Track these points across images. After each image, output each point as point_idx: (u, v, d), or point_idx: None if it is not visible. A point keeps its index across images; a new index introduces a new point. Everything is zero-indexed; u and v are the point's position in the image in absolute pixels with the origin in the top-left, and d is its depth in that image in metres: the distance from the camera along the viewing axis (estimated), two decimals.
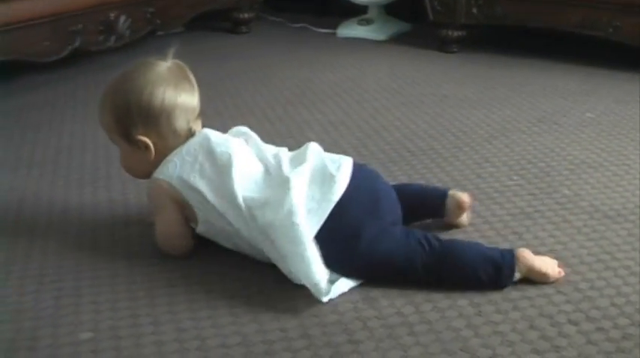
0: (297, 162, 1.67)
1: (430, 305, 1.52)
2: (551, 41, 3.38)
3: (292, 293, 1.55)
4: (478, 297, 1.54)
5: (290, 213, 1.53)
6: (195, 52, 3.48)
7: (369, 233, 1.57)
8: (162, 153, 1.69)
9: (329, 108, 2.66)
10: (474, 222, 1.83)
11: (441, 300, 1.53)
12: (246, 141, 1.74)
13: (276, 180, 1.62)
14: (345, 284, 1.57)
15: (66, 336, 1.44)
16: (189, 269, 1.65)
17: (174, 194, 1.66)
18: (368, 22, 3.75)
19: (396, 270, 1.57)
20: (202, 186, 1.63)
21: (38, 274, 1.66)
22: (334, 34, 3.77)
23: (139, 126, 1.68)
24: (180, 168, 1.66)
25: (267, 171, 1.67)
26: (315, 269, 1.51)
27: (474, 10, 3.29)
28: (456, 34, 3.38)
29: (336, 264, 1.56)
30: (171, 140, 1.69)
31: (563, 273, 1.61)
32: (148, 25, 3.28)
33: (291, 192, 1.56)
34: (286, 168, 1.64)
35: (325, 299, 1.52)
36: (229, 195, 1.61)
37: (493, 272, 1.56)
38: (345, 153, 2.19)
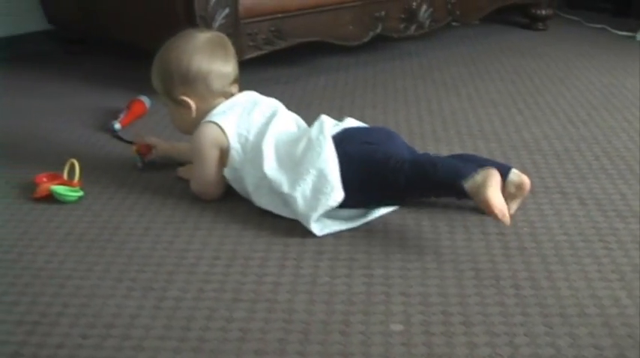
0: None
1: None
2: None
3: (608, 311, 1.49)
4: None
5: (322, 126, 1.83)
6: (492, 45, 3.45)
7: (355, 145, 1.82)
8: (204, 111, 1.94)
9: (634, 116, 2.54)
10: None
11: None
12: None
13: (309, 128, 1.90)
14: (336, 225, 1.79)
15: (377, 325, 1.45)
16: (495, 272, 1.62)
17: (219, 138, 1.90)
18: None
19: (369, 172, 1.77)
20: (247, 129, 1.89)
21: (349, 258, 1.68)
22: (634, 37, 3.62)
23: (180, 88, 1.94)
24: (229, 115, 1.91)
25: (298, 129, 1.97)
26: (335, 165, 1.77)
27: None
28: None
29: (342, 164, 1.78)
30: (209, 100, 1.95)
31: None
32: (447, 15, 3.27)
33: (321, 118, 1.87)
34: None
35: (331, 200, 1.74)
36: (270, 136, 1.87)
37: (449, 167, 1.73)
38: None
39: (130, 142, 2.26)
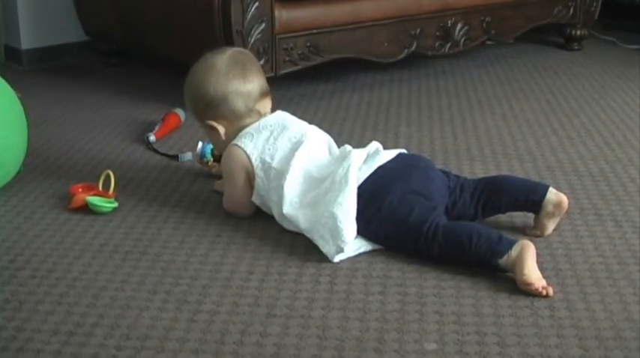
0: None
1: None
2: None
3: None
4: None
5: (347, 170, 1.77)
6: (527, 65, 3.44)
7: (392, 197, 1.76)
8: (234, 131, 1.94)
9: None
10: None
11: None
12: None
13: (339, 156, 1.90)
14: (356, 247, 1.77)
15: (411, 344, 1.45)
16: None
17: (245, 162, 1.89)
18: None
19: (401, 234, 1.73)
20: (272, 155, 1.87)
21: (383, 276, 1.68)
22: None
23: (206, 113, 1.96)
24: (255, 139, 1.90)
25: (330, 154, 1.95)
26: (350, 211, 1.73)
27: None
28: None
29: (361, 217, 1.75)
30: (237, 121, 1.95)
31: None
32: (483, 34, 3.27)
33: (350, 159, 1.80)
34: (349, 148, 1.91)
35: (342, 245, 1.72)
36: (295, 167, 1.84)
37: (485, 243, 1.65)
38: None
39: (165, 154, 2.27)
